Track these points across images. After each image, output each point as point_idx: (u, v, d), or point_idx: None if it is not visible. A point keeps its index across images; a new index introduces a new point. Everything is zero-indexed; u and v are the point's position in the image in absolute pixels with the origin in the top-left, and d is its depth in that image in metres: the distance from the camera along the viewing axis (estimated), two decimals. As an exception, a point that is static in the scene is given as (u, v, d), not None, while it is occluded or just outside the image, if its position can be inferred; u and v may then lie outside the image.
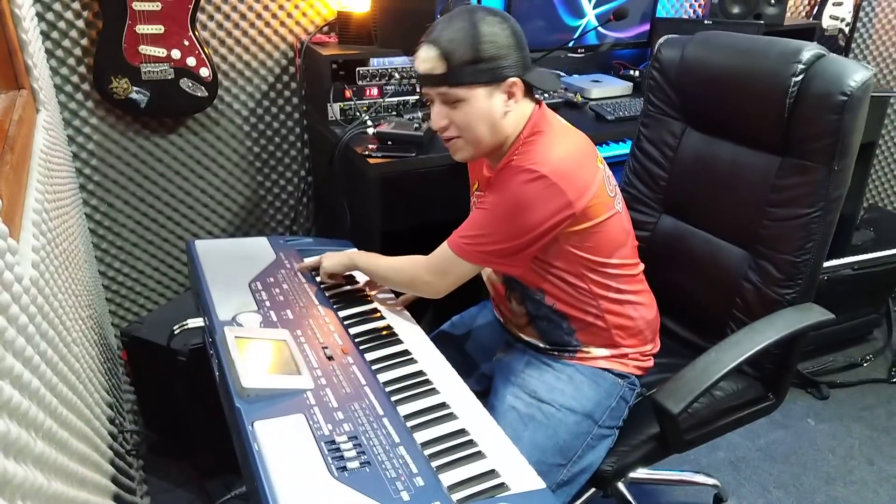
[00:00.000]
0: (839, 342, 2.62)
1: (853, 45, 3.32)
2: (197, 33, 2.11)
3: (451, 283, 1.35)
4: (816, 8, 3.14)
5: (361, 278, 1.59)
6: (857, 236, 2.97)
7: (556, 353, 1.45)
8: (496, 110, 1.27)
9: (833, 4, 3.07)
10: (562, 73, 2.60)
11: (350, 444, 1.01)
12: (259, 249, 1.62)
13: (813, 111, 1.37)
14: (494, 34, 1.22)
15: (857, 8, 3.11)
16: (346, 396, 1.12)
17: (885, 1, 3.25)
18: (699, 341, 1.63)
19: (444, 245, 1.34)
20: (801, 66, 1.38)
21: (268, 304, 1.38)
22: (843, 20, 3.10)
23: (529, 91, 1.33)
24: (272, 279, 1.48)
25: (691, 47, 1.60)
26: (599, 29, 2.56)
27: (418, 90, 2.28)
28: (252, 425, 1.03)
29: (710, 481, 1.97)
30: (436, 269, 1.35)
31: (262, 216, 2.60)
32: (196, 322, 1.47)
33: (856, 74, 1.33)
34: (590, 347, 1.42)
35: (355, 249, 1.56)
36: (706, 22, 2.67)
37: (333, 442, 1.01)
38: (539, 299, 1.41)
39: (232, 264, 1.52)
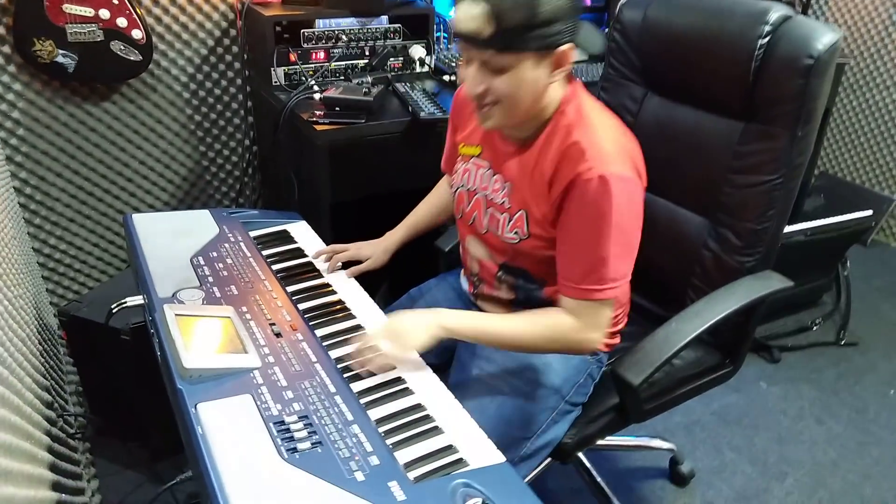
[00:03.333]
0: (790, 307, 2.65)
1: (809, 11, 3.32)
2: (128, -9, 1.98)
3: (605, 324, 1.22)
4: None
5: (309, 251, 1.52)
6: (809, 203, 3.01)
7: None
8: (541, 81, 1.12)
9: (792, -33, 3.06)
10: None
11: (300, 425, 0.96)
12: (201, 223, 1.54)
13: (778, 74, 1.33)
14: None
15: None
16: (296, 374, 1.07)
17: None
18: (658, 310, 1.61)
19: (582, 301, 1.18)
20: (767, 28, 1.33)
21: (211, 279, 1.31)
22: (800, -18, 3.09)
23: None
24: (215, 253, 1.41)
25: (654, 8, 1.55)
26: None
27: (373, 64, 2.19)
28: (195, 408, 0.97)
29: (667, 445, 1.98)
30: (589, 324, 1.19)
31: (206, 188, 2.49)
32: (135, 300, 1.39)
33: (824, 37, 1.29)
34: None
35: (442, 309, 1.21)
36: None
37: (283, 422, 0.97)
38: (535, 289, 1.34)
39: (172, 238, 1.44)
